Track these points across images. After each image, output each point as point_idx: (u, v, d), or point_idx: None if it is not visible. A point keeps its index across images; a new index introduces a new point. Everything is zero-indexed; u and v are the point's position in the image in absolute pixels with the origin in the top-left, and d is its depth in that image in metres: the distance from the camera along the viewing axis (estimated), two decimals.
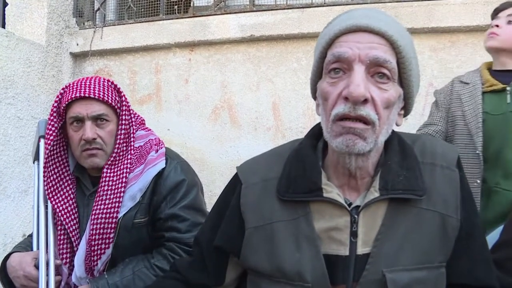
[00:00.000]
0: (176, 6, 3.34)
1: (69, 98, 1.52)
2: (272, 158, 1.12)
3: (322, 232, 0.97)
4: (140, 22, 3.35)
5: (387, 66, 0.90)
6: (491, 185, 1.86)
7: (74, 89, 1.53)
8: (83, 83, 1.55)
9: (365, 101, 0.88)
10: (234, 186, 1.13)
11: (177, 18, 3.26)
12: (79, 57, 3.54)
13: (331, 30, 0.96)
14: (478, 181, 1.86)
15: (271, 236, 1.01)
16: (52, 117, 1.58)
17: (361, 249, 0.95)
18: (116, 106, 1.60)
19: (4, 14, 3.45)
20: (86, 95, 1.52)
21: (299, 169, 1.02)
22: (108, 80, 1.62)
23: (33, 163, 1.71)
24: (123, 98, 1.63)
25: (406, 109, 1.03)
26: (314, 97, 1.05)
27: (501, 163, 1.85)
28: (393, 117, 0.96)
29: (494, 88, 1.92)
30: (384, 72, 0.90)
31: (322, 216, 0.97)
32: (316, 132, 1.08)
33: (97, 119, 1.55)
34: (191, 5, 3.33)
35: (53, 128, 1.57)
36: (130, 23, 3.38)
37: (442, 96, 2.10)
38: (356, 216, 0.95)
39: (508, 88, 1.88)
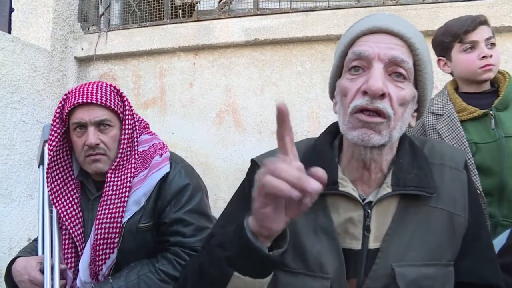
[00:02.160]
0: (180, 10, 3.35)
1: (72, 104, 1.53)
2: None
3: (338, 226, 1.00)
4: (144, 27, 3.37)
5: (404, 66, 0.94)
6: (499, 219, 1.72)
7: (77, 95, 1.54)
8: (85, 89, 1.55)
9: (383, 95, 0.92)
10: (252, 177, 1.12)
11: (181, 22, 3.27)
12: (84, 61, 3.55)
13: (353, 31, 1.01)
14: (486, 221, 1.70)
15: (291, 226, 1.01)
16: (55, 123, 1.58)
17: (372, 244, 0.98)
18: (119, 111, 1.60)
19: (10, 20, 3.47)
20: (89, 100, 1.52)
21: (316, 164, 1.04)
22: (111, 85, 1.63)
23: (38, 167, 1.72)
24: (126, 103, 1.63)
25: (419, 112, 1.06)
26: (332, 96, 1.09)
27: (506, 194, 1.71)
28: (407, 116, 1.00)
29: (474, 115, 1.77)
30: (401, 72, 0.95)
31: (337, 210, 1.01)
32: (332, 130, 1.11)
33: (100, 125, 1.55)
34: (195, 9, 3.34)
35: (56, 134, 1.58)
36: (135, 28, 3.39)
37: (411, 132, 1.90)
38: (369, 211, 0.99)
39: (491, 113, 1.75)
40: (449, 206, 1.01)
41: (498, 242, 1.25)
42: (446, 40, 1.86)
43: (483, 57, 1.76)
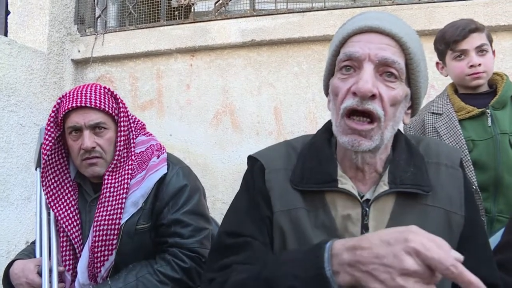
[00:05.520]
0: (177, 12, 3.35)
1: (66, 108, 1.53)
2: (288, 149, 1.15)
3: (338, 224, 1.00)
4: (141, 28, 3.36)
5: (395, 66, 0.94)
6: (495, 215, 1.77)
7: (71, 99, 1.53)
8: (79, 92, 1.55)
9: (373, 96, 0.92)
10: (254, 173, 1.12)
11: (178, 24, 3.27)
12: (80, 63, 3.55)
13: (345, 30, 1.01)
14: (482, 218, 1.72)
15: (296, 221, 1.02)
16: (49, 127, 1.58)
17: None
18: (113, 113, 1.60)
19: (6, 22, 3.46)
20: (83, 104, 1.52)
21: (314, 161, 1.06)
22: (105, 87, 1.63)
23: (36, 170, 1.71)
24: (121, 105, 1.63)
25: (413, 109, 1.07)
26: (326, 93, 1.10)
27: (501, 190, 1.77)
28: (400, 115, 1.00)
29: (472, 114, 1.83)
30: (392, 72, 0.95)
31: (335, 207, 1.01)
32: (330, 127, 1.11)
33: (95, 128, 1.55)
34: (192, 10, 3.34)
35: (50, 138, 1.58)
36: (131, 29, 3.39)
37: (412, 131, 2.00)
38: (367, 209, 0.99)
39: (488, 111, 1.81)
40: (445, 204, 1.01)
41: (494, 240, 1.26)
42: (440, 47, 1.94)
43: (471, 65, 1.82)
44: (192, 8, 3.35)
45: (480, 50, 1.83)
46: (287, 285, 0.82)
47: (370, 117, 0.94)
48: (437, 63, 2.02)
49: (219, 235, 1.11)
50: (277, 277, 0.86)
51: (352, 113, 0.95)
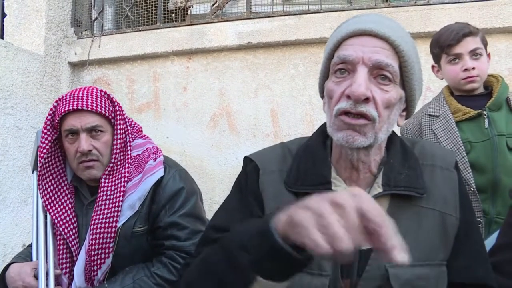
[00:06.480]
0: (173, 15, 3.35)
1: (63, 111, 1.52)
2: (284, 151, 1.15)
3: None
4: (137, 31, 3.37)
5: (389, 69, 0.95)
6: (493, 216, 1.77)
7: (67, 102, 1.53)
8: (75, 95, 1.55)
9: (367, 100, 0.93)
10: (248, 173, 1.13)
11: (174, 27, 3.27)
12: (77, 66, 3.55)
13: (339, 33, 1.02)
14: (480, 220, 1.75)
15: None
16: (45, 130, 1.58)
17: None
18: (110, 116, 1.60)
19: (2, 25, 3.46)
20: (79, 107, 1.52)
21: (309, 163, 1.06)
22: (101, 90, 1.63)
23: (32, 172, 1.71)
24: (117, 108, 1.63)
25: (408, 111, 1.07)
26: (322, 96, 1.10)
27: (499, 191, 1.77)
28: (394, 117, 1.00)
29: (469, 115, 1.84)
30: (386, 75, 0.95)
31: None
32: (325, 130, 1.11)
33: (92, 131, 1.55)
34: (189, 13, 3.35)
35: (47, 141, 1.58)
36: (128, 32, 3.39)
37: (409, 133, 2.00)
38: None
39: (484, 113, 1.82)
40: (440, 206, 1.01)
41: (489, 242, 1.26)
42: (435, 51, 1.95)
43: (465, 69, 1.83)
44: (189, 11, 3.36)
45: (474, 54, 1.83)
46: (237, 244, 0.82)
47: (364, 117, 0.94)
48: (432, 66, 2.03)
49: (206, 230, 1.13)
50: (229, 241, 0.86)
51: (346, 114, 0.95)
